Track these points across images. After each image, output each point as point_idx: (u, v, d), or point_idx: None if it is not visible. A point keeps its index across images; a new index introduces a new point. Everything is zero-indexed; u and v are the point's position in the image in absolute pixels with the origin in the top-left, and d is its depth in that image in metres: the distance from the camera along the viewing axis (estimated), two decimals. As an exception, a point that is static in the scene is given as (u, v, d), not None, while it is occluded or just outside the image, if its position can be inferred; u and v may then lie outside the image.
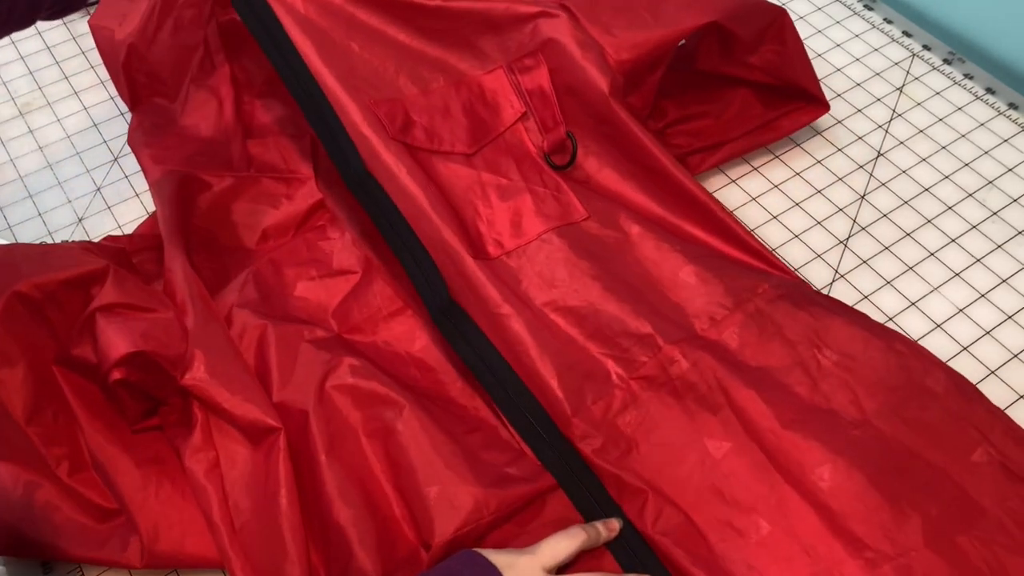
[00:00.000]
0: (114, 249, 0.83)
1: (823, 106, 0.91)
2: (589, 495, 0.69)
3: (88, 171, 0.95)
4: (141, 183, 0.94)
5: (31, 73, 1.06)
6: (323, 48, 0.79)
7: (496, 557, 0.62)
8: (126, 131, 0.99)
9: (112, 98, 1.02)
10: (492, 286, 0.74)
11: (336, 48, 0.80)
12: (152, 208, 0.88)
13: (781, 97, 0.91)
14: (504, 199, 0.80)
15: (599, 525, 0.67)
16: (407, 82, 0.82)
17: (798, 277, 0.80)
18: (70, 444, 0.71)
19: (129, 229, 0.91)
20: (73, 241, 0.90)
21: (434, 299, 0.75)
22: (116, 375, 0.69)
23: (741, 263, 0.80)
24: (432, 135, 0.80)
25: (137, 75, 0.93)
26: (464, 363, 0.74)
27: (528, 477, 0.70)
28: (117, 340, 0.70)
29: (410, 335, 0.79)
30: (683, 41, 0.87)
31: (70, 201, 0.93)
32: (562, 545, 0.65)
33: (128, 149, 0.97)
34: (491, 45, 0.84)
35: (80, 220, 0.92)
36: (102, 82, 1.04)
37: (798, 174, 0.92)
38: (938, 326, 0.75)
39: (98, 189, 0.94)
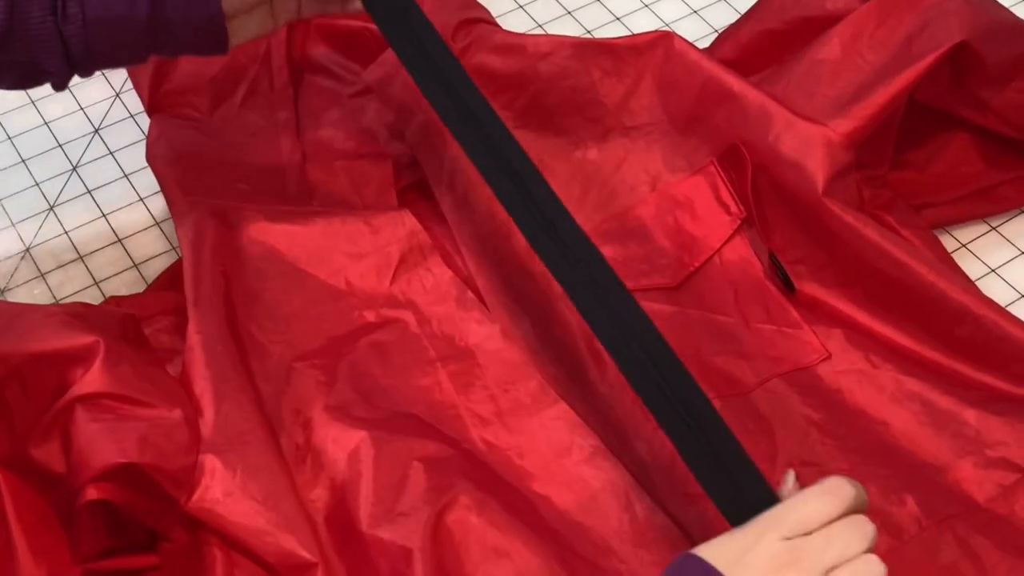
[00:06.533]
0: (118, 315, 0.65)
1: None
2: None
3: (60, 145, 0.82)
4: (126, 161, 0.80)
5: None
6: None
7: (713, 552, 0.44)
8: (122, 122, 0.85)
9: (113, 98, 0.88)
10: None
11: None
12: (152, 208, 0.75)
13: (1013, 153, 0.72)
14: (719, 343, 0.66)
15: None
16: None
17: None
18: None
19: (113, 215, 0.76)
20: (59, 303, 0.72)
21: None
22: (92, 494, 0.54)
23: None
24: (625, 266, 0.68)
25: (164, 74, 0.78)
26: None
27: None
28: (102, 445, 0.55)
29: (565, 441, 0.62)
30: None
31: (37, 184, 0.80)
32: (821, 506, 0.44)
33: (121, 140, 0.82)
34: (697, 138, 0.71)
35: (52, 207, 0.78)
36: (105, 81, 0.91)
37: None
38: None
39: (74, 169, 0.81)
